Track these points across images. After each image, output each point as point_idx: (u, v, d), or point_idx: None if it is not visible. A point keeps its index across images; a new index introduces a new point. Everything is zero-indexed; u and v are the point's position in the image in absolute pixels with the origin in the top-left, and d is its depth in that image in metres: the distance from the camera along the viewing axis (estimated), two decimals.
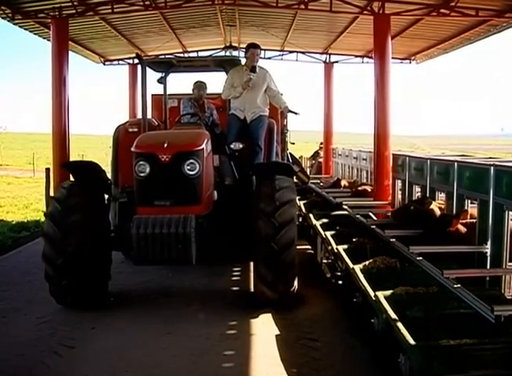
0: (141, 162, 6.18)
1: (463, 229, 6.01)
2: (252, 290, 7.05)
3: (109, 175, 7.91)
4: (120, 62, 19.02)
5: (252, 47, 7.76)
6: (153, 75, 8.05)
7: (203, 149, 6.38)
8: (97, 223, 6.55)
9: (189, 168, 6.19)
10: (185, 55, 18.39)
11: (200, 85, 8.24)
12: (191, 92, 8.32)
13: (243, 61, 7.88)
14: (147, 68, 7.52)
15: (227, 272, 8.19)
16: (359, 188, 11.08)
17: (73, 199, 6.33)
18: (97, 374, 4.88)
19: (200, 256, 6.14)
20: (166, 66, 7.98)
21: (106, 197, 7.32)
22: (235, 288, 7.49)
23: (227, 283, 7.69)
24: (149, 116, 9.15)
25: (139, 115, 10.29)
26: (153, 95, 9.50)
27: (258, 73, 7.62)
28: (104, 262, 6.81)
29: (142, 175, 6.19)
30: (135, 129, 7.68)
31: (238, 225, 6.70)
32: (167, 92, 8.37)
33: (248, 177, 7.30)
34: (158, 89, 8.53)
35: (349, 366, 4.98)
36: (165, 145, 6.14)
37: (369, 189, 10.94)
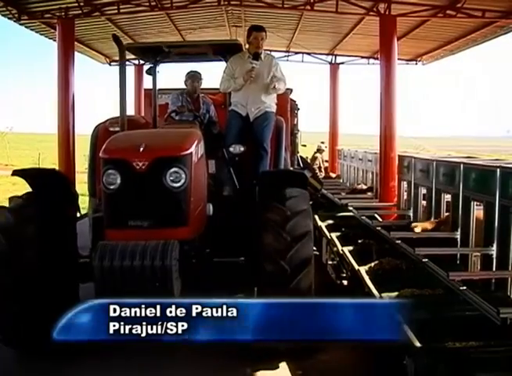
0: (110, 171, 4.91)
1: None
2: None
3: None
4: (126, 63, 19.01)
5: (254, 30, 6.32)
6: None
7: (191, 153, 5.06)
8: (60, 245, 5.11)
9: (172, 178, 4.91)
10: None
11: (193, 75, 6.94)
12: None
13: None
14: (136, 56, 6.66)
15: None
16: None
17: (30, 209, 5.03)
18: (108, 369, 4.86)
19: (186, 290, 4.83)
20: (153, 53, 6.58)
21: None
22: None
23: None
24: (141, 113, 8.67)
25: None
26: (145, 89, 8.57)
27: (263, 60, 6.27)
28: (69, 297, 5.02)
29: (111, 187, 4.91)
30: (117, 128, 6.17)
31: (238, 246, 5.41)
32: (161, 86, 7.26)
33: (251, 187, 5.91)
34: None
35: (354, 368, 4.94)
36: (141, 148, 4.86)
37: (370, 194, 10.97)
